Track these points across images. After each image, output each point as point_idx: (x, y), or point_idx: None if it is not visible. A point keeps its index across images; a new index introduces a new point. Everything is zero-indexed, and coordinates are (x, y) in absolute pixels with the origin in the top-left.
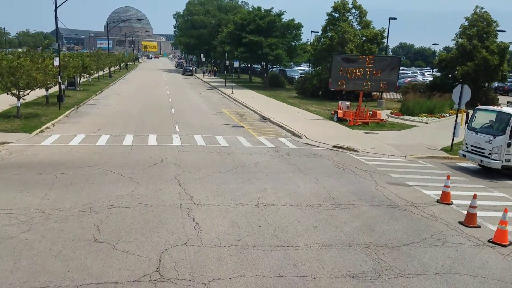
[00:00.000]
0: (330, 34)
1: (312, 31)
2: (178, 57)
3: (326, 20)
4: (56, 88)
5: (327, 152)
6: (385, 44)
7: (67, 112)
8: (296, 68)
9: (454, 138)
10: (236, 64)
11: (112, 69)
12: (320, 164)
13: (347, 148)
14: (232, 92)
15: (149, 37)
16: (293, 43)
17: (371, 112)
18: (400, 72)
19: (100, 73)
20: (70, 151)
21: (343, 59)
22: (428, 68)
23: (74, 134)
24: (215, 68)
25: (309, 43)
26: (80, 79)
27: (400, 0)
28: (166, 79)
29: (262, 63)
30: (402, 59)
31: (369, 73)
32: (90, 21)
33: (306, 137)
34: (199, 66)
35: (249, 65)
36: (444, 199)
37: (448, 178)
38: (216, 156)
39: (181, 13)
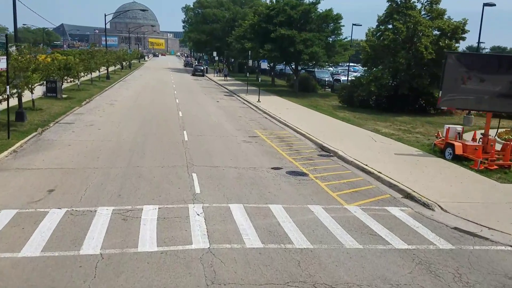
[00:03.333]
0: (394, 26)
1: (354, 24)
2: (186, 55)
3: (386, 8)
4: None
5: None
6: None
7: (19, 143)
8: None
9: None
10: (264, 65)
11: (112, 68)
12: None
13: None
14: (259, 101)
15: (156, 34)
16: (331, 39)
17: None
18: None
19: (96, 73)
20: None
21: (465, 59)
22: None
23: None
24: (224, 67)
25: (347, 39)
26: (62, 84)
27: None
28: (174, 81)
29: (292, 63)
30: None
31: (507, 83)
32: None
33: (441, 208)
34: (210, 65)
35: (271, 65)
36: None
37: None
38: None
39: (191, 6)
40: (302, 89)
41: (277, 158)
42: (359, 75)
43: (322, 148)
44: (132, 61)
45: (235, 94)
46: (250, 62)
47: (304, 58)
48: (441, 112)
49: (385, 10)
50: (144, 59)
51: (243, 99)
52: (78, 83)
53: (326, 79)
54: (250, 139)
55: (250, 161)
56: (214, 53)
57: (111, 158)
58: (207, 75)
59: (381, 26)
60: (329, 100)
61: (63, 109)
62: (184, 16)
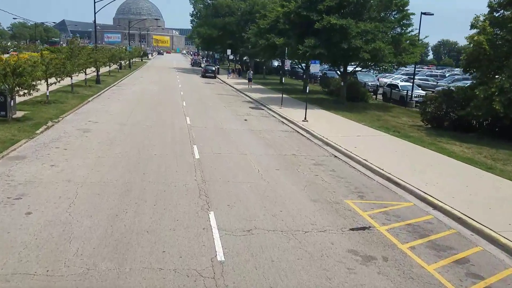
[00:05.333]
0: None
1: (423, 13)
2: (193, 53)
3: None
4: None
5: None
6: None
7: None
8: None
9: None
10: (315, 68)
11: (106, 69)
12: None
13: None
14: (305, 119)
15: (160, 31)
16: (395, 32)
17: None
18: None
19: (82, 76)
20: None
21: None
22: None
23: None
24: (239, 67)
25: (413, 32)
26: (13, 97)
27: None
28: (182, 85)
29: (340, 64)
30: (443, 57)
31: None
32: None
33: None
34: (221, 64)
35: (299, 65)
36: None
37: None
38: None
39: None
40: (349, 97)
41: None
42: (445, 82)
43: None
44: (134, 60)
45: (264, 106)
46: (288, 63)
47: (363, 57)
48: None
49: None
50: (148, 57)
51: (280, 115)
52: (47, 94)
53: (371, 83)
54: (361, 244)
55: None
56: (228, 51)
57: None
58: (219, 76)
59: (500, 12)
60: (395, 115)
61: None
62: (193, 9)
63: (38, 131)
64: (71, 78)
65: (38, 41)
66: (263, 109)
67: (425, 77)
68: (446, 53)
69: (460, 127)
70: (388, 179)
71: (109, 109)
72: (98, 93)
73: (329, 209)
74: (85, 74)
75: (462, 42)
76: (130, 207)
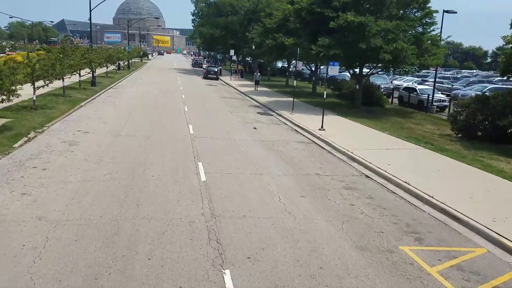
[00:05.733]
0: None
1: (445, 11)
2: (193, 54)
3: None
4: None
5: None
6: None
7: None
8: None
9: None
10: (333, 71)
11: (103, 70)
12: None
13: None
14: (322, 128)
15: (161, 31)
16: (417, 31)
17: None
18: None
19: (77, 78)
20: None
21: None
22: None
23: None
24: (241, 68)
25: (434, 32)
26: None
27: None
28: (183, 87)
29: (355, 66)
30: (449, 59)
31: None
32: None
33: None
34: (222, 65)
35: (307, 66)
36: None
37: None
38: None
39: None
40: (363, 101)
41: None
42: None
43: None
44: (133, 60)
45: (273, 111)
46: (300, 64)
47: (384, 58)
48: None
49: None
50: (148, 57)
51: (292, 121)
52: (34, 98)
53: (384, 86)
54: None
55: None
56: (232, 52)
57: None
58: (221, 78)
59: None
60: (417, 122)
61: None
62: (194, 8)
63: (16, 145)
64: (63, 81)
65: (36, 40)
66: (272, 115)
67: (438, 79)
68: (451, 54)
69: (496, 137)
70: (443, 211)
71: (102, 116)
72: (93, 97)
73: (384, 262)
74: (79, 75)
75: (467, 43)
76: (116, 263)
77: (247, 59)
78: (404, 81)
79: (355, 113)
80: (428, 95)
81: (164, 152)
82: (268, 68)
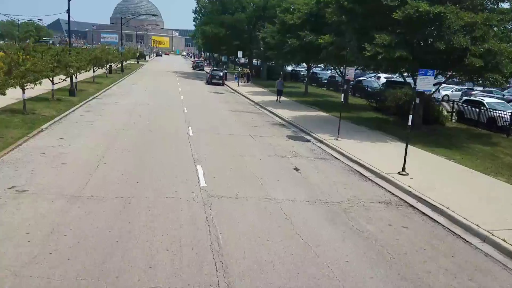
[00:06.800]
0: None
1: None
2: (193, 55)
3: None
4: None
5: None
6: None
7: None
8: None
9: None
10: (424, 84)
11: (89, 75)
12: None
13: None
14: (403, 171)
15: (160, 31)
16: (507, 27)
17: None
18: None
19: (50, 87)
20: None
21: None
22: None
23: None
24: (248, 72)
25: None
26: None
27: None
28: (184, 95)
29: (402, 72)
30: None
31: None
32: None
33: None
34: (226, 67)
35: (337, 71)
36: None
37: None
38: None
39: None
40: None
41: None
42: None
43: None
44: (128, 62)
45: (308, 134)
46: (352, 72)
47: (473, 64)
48: None
49: None
50: (145, 59)
51: (345, 155)
52: None
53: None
54: None
55: None
56: (240, 53)
57: None
58: (227, 83)
59: None
60: (508, 151)
61: None
62: (196, 5)
63: None
64: (23, 92)
65: (28, 40)
66: (309, 140)
67: (487, 90)
68: None
69: None
70: None
71: (66, 151)
72: (65, 113)
73: None
74: (52, 83)
75: None
76: None
77: (253, 61)
78: (442, 89)
79: (418, 136)
80: (502, 111)
81: (156, 247)
82: (281, 73)
